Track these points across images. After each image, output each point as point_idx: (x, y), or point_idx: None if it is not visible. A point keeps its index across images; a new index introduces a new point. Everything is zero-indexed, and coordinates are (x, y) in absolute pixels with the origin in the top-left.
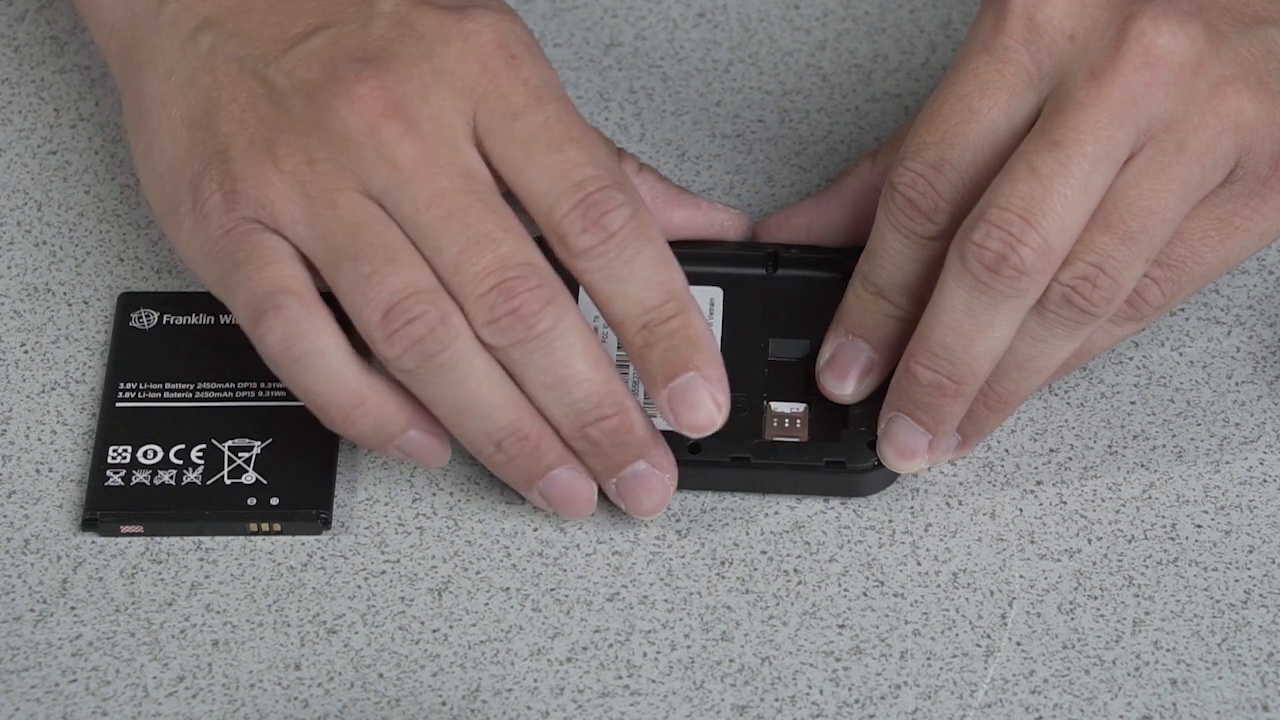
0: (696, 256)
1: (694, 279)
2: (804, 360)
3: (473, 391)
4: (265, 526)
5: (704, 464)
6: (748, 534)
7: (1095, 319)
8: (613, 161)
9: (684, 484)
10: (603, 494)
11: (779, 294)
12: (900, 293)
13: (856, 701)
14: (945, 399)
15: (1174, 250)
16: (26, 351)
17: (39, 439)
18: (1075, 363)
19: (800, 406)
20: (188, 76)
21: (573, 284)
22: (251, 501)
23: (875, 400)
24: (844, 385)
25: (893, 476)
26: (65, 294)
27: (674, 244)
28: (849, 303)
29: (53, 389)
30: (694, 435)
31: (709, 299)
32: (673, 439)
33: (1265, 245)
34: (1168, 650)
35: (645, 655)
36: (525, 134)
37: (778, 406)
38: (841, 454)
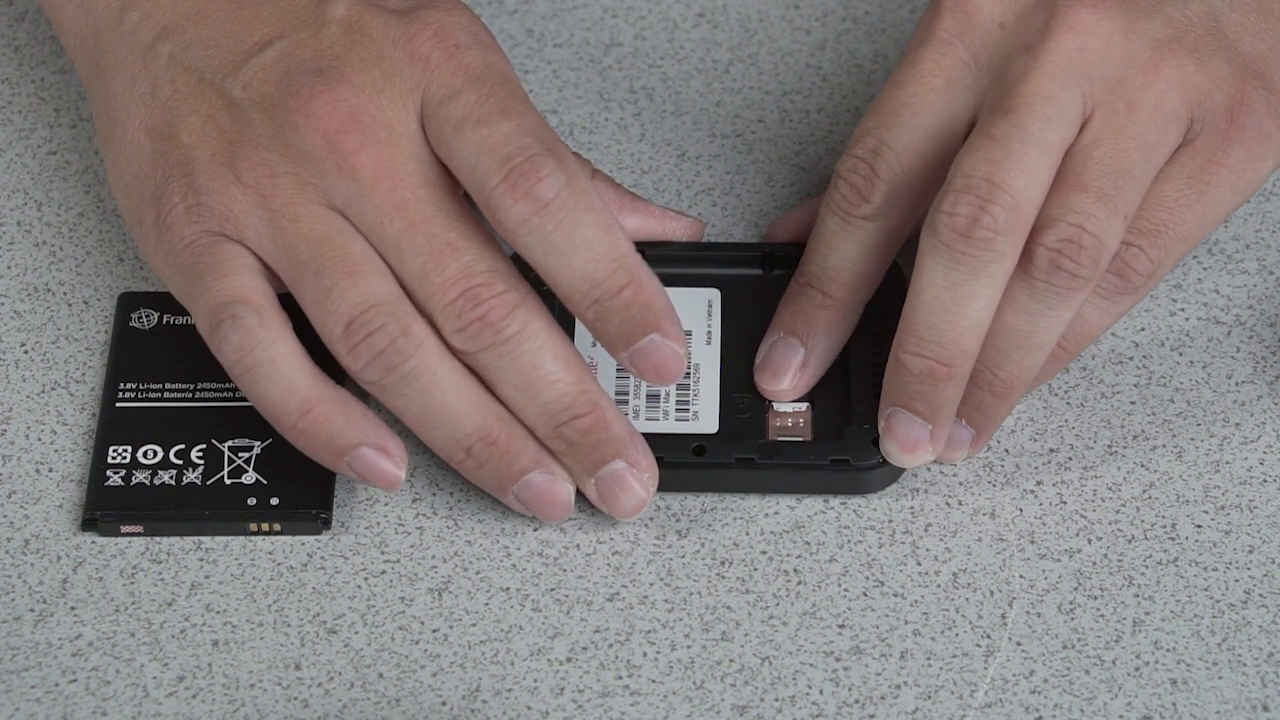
0: (693, 259)
1: (690, 281)
2: None
3: (438, 400)
4: (265, 526)
5: (709, 465)
6: (748, 534)
7: (1085, 281)
8: (547, 132)
9: (689, 486)
10: (586, 498)
11: (777, 294)
12: (830, 280)
13: (856, 701)
14: (939, 384)
15: (1152, 215)
16: (26, 351)
17: (39, 439)
18: (1075, 347)
19: (803, 406)
20: (149, 86)
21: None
22: (251, 501)
23: (870, 398)
24: (777, 382)
25: (898, 473)
26: (65, 294)
27: (667, 245)
28: (783, 300)
29: (53, 389)
30: (659, 384)
31: (707, 301)
32: (676, 443)
33: (1243, 200)
34: (1168, 650)
35: (645, 655)
36: (457, 114)
37: (780, 406)
38: (846, 452)
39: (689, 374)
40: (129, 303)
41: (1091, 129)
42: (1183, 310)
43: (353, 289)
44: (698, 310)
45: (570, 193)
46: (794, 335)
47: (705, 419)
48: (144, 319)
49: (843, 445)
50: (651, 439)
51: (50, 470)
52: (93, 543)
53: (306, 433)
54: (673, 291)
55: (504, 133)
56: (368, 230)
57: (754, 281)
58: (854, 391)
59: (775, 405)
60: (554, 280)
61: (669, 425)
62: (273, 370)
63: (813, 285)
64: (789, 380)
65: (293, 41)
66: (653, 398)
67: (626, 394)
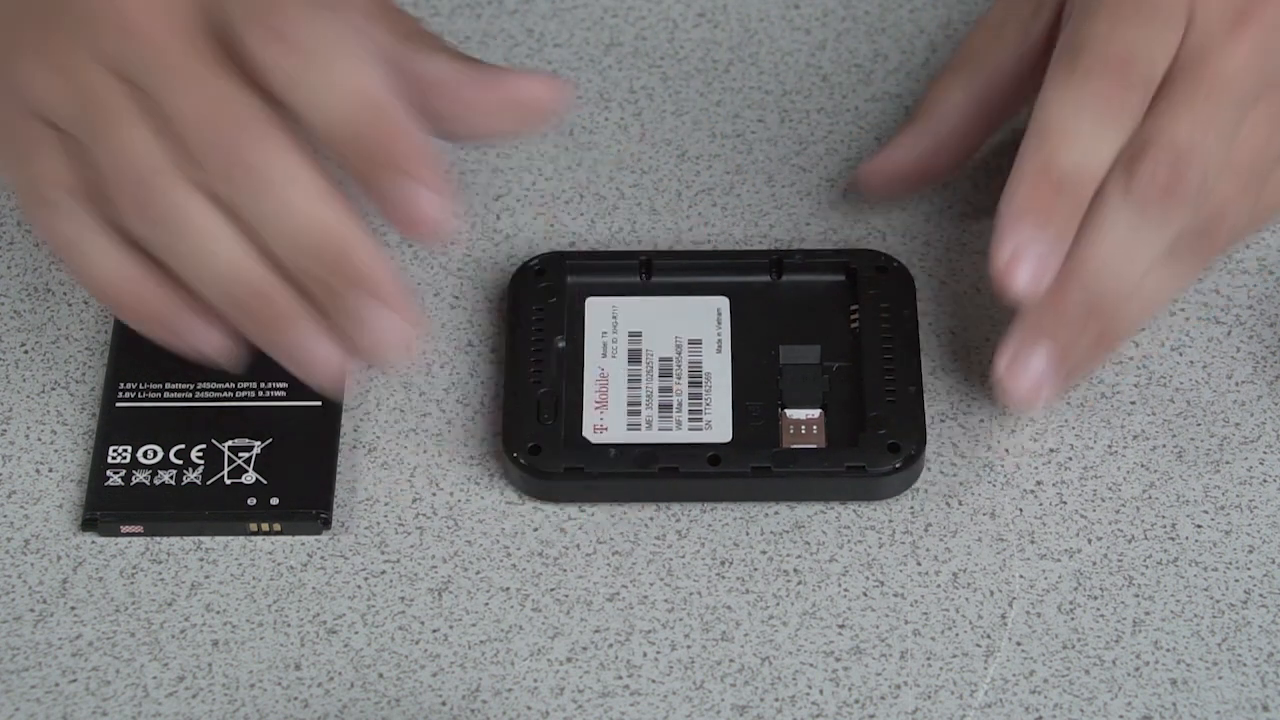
0: (701, 266)
1: (699, 289)
2: (816, 365)
3: (197, 243)
4: (265, 526)
5: (724, 475)
6: (748, 534)
7: (1216, 256)
8: None
9: (705, 496)
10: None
11: (785, 300)
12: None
13: (856, 701)
14: (1088, 328)
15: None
16: (26, 351)
17: (39, 439)
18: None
19: (815, 412)
20: None
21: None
22: (251, 501)
23: (883, 403)
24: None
25: (912, 479)
26: (65, 294)
27: (675, 254)
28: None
29: (53, 389)
30: (425, 235)
31: (716, 309)
32: (690, 453)
33: None
34: (1168, 650)
35: (645, 655)
36: None
37: (793, 414)
38: (861, 458)
39: (701, 382)
40: None
41: (1257, 113)
42: (1183, 310)
43: (119, 144)
44: (707, 318)
45: (324, 36)
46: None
47: (719, 428)
48: None
49: (858, 452)
50: (665, 449)
51: (50, 470)
52: (93, 543)
53: (131, 310)
54: (682, 300)
55: None
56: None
57: (763, 288)
58: (867, 398)
59: (789, 413)
60: (304, 117)
61: (682, 435)
62: (88, 249)
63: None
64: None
65: None
66: (665, 408)
67: (639, 404)
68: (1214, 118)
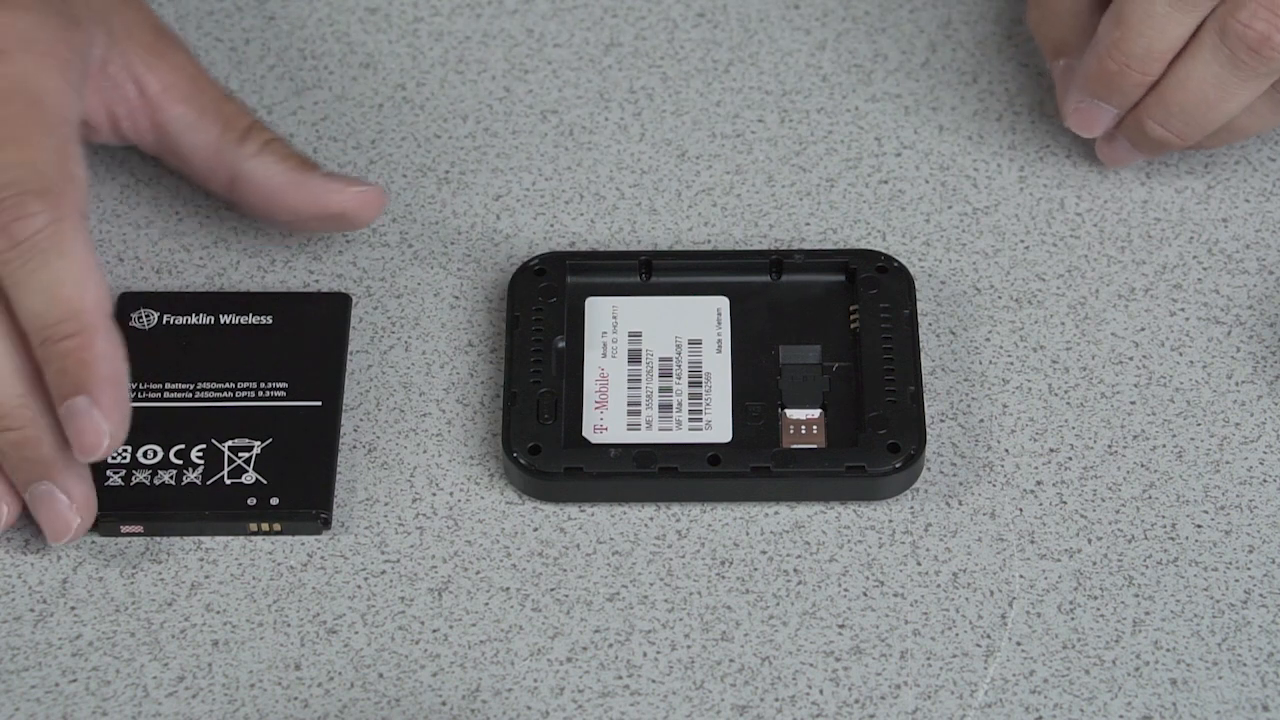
0: (700, 266)
1: (699, 289)
2: (816, 365)
3: None
4: (265, 526)
5: (724, 475)
6: (748, 534)
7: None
8: (53, 166)
9: (705, 496)
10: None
11: (785, 300)
12: (1156, 62)
13: (856, 701)
14: (1164, 151)
15: None
16: None
17: None
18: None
19: (815, 412)
20: None
21: None
22: (251, 501)
23: (883, 403)
24: (1091, 131)
25: (912, 479)
26: None
27: (675, 254)
28: (1093, 76)
29: None
30: (84, 459)
31: (716, 309)
32: (690, 453)
33: None
34: (1168, 650)
35: (645, 655)
36: None
37: (793, 414)
38: (861, 458)
39: (701, 382)
40: (129, 303)
41: None
42: (1183, 310)
43: None
44: (707, 318)
45: (49, 235)
46: (1109, 104)
47: (719, 428)
48: (144, 319)
49: (858, 452)
50: (665, 449)
51: None
52: (93, 543)
53: None
54: (682, 300)
55: (2, 163)
56: None
57: (762, 288)
58: (867, 399)
59: (789, 413)
60: (15, 314)
61: (683, 435)
62: None
63: (1132, 67)
64: (1101, 131)
65: None
66: (665, 408)
67: (639, 404)
68: None
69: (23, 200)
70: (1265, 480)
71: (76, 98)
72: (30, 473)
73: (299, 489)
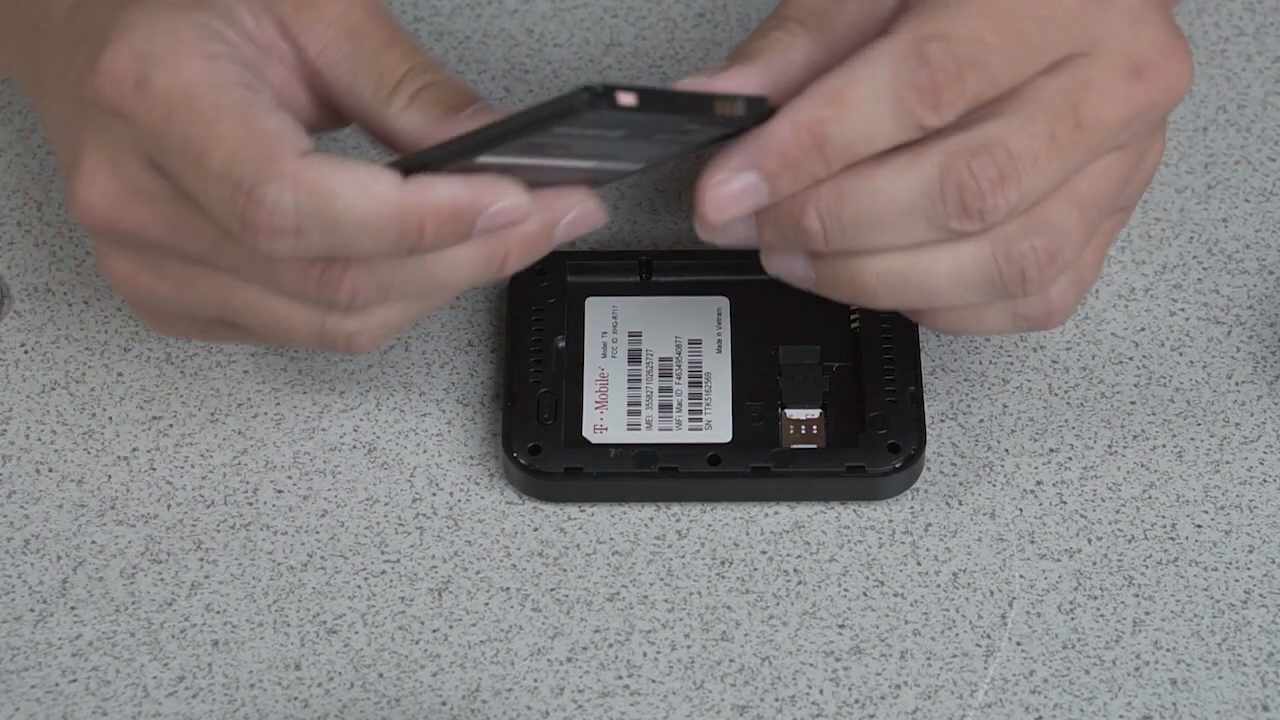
0: (701, 266)
1: (700, 288)
2: (816, 365)
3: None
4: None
5: (724, 475)
6: (748, 534)
7: (1044, 286)
8: (249, 146)
9: (705, 496)
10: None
11: (785, 300)
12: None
13: (856, 701)
14: (807, 247)
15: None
16: (26, 351)
17: (39, 439)
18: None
19: (815, 412)
20: None
21: None
22: None
23: (883, 403)
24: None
25: (912, 479)
26: (65, 294)
27: (675, 254)
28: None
29: (53, 389)
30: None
31: (716, 309)
32: (690, 453)
33: None
34: (1168, 650)
35: (645, 655)
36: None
37: (793, 414)
38: (861, 458)
39: (701, 382)
40: None
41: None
42: (1183, 310)
43: None
44: (707, 318)
45: (307, 198)
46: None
47: (719, 428)
48: None
49: (858, 452)
50: (665, 449)
51: (50, 470)
52: (92, 543)
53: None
54: (682, 300)
55: (215, 174)
56: None
57: (762, 288)
58: (867, 398)
59: (789, 413)
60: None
61: (682, 435)
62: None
63: (827, 154)
64: (736, 214)
65: None
66: (665, 408)
67: (639, 404)
68: (1066, 156)
69: (258, 195)
70: (1265, 480)
71: (227, 63)
72: None
73: None
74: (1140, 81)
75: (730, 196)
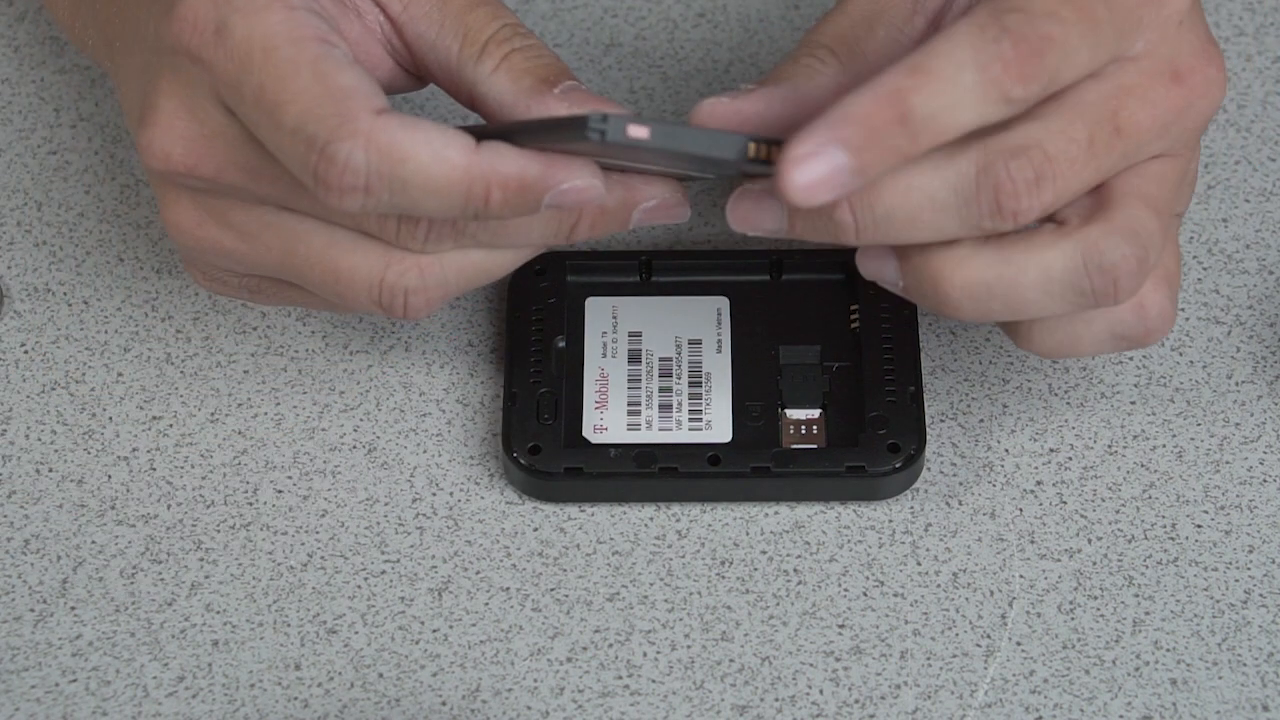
0: (701, 266)
1: (699, 288)
2: (816, 365)
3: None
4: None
5: (724, 475)
6: (748, 534)
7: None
8: (323, 104)
9: (705, 496)
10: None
11: (785, 300)
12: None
13: (856, 701)
14: (837, 239)
15: None
16: (26, 352)
17: (39, 439)
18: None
19: (815, 412)
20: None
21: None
22: None
23: (883, 403)
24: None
25: (913, 479)
26: (65, 294)
27: (675, 254)
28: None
29: (53, 389)
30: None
31: (716, 309)
32: (690, 453)
33: None
34: (1168, 650)
35: (645, 655)
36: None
37: (793, 413)
38: (861, 458)
39: (701, 382)
40: None
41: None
42: (1183, 310)
43: None
44: (707, 318)
45: (379, 158)
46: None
47: (719, 428)
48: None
49: (858, 452)
50: (665, 449)
51: (50, 470)
52: (92, 543)
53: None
54: (682, 300)
55: (290, 128)
56: None
57: (762, 288)
58: (867, 399)
59: (789, 413)
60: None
61: (682, 435)
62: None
63: (910, 127)
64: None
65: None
66: (665, 408)
67: (639, 404)
68: (1103, 160)
69: (330, 151)
70: (1265, 480)
71: (306, 15)
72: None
73: None
74: (1180, 87)
75: (820, 180)
